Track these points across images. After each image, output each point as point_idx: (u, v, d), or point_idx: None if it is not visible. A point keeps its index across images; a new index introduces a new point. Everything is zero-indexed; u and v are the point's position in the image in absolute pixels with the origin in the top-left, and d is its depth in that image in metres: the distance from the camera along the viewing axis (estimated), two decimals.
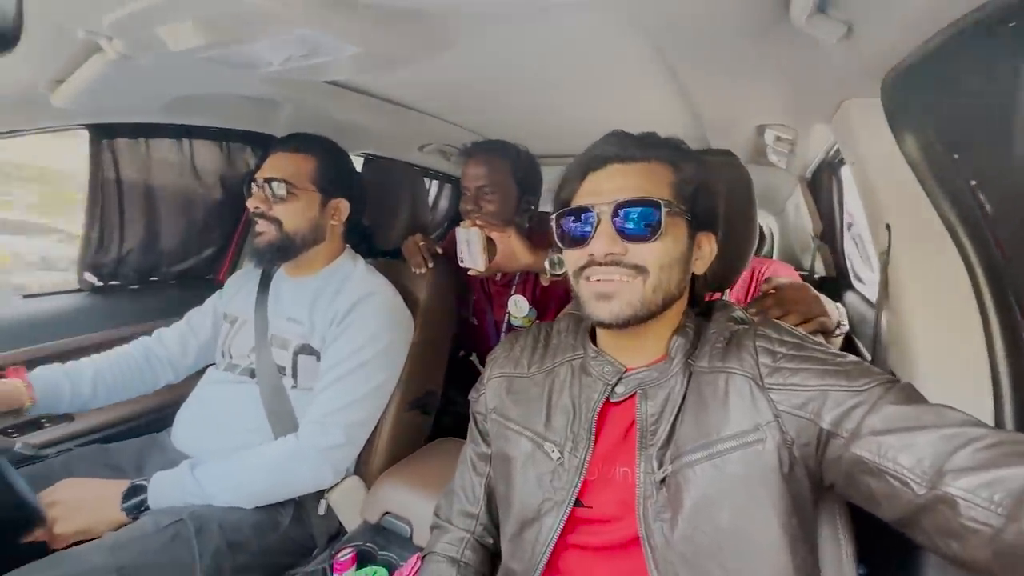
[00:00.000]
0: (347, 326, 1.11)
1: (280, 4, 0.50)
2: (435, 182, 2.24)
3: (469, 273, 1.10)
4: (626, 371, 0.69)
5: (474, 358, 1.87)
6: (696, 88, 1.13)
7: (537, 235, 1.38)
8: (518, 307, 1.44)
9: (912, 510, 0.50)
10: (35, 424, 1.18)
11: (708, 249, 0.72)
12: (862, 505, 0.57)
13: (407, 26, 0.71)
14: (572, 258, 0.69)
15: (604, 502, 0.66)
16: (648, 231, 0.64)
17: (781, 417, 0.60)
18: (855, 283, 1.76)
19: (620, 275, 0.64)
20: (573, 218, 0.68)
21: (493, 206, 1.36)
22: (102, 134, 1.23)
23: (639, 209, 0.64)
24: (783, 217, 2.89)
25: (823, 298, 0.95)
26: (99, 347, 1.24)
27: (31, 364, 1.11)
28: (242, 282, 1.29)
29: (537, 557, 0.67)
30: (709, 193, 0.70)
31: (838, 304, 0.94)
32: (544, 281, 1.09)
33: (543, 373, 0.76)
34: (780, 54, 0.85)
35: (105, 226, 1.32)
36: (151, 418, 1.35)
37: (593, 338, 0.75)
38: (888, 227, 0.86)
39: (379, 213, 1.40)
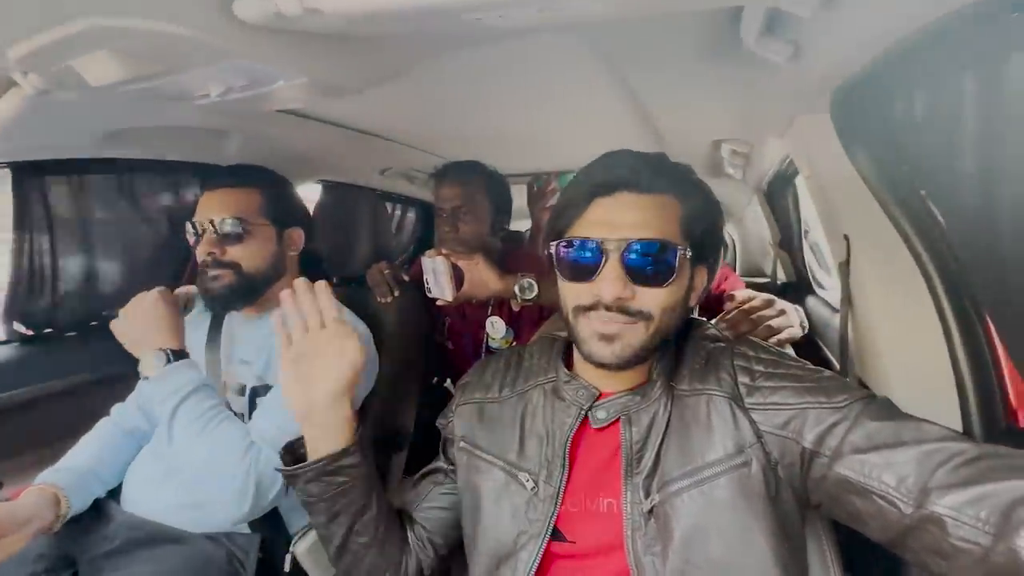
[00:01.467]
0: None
1: (206, 34, 0.46)
2: (399, 206, 2.20)
3: (437, 303, 1.07)
4: (600, 396, 0.67)
5: (448, 384, 1.82)
6: (654, 106, 1.15)
7: (510, 257, 1.37)
8: (495, 328, 1.42)
9: (900, 530, 0.49)
10: None
11: (700, 282, 0.69)
12: (848, 524, 0.56)
13: (357, 53, 0.68)
14: (572, 292, 0.64)
15: (587, 535, 0.63)
16: (660, 277, 0.61)
17: (764, 437, 0.59)
18: (816, 288, 1.81)
19: (625, 320, 0.61)
20: (577, 249, 0.63)
21: (469, 227, 1.36)
22: (28, 173, 1.14)
23: (653, 253, 0.60)
24: (742, 226, 2.98)
25: (785, 304, 0.96)
26: (37, 401, 1.12)
27: None
28: (194, 324, 1.19)
29: None
30: (711, 226, 0.67)
31: (796, 307, 0.95)
32: (515, 307, 1.07)
33: (515, 396, 0.73)
34: (734, 73, 0.87)
35: (35, 270, 1.22)
36: None
37: (567, 361, 0.73)
38: (846, 238, 0.88)
39: (340, 240, 1.35)
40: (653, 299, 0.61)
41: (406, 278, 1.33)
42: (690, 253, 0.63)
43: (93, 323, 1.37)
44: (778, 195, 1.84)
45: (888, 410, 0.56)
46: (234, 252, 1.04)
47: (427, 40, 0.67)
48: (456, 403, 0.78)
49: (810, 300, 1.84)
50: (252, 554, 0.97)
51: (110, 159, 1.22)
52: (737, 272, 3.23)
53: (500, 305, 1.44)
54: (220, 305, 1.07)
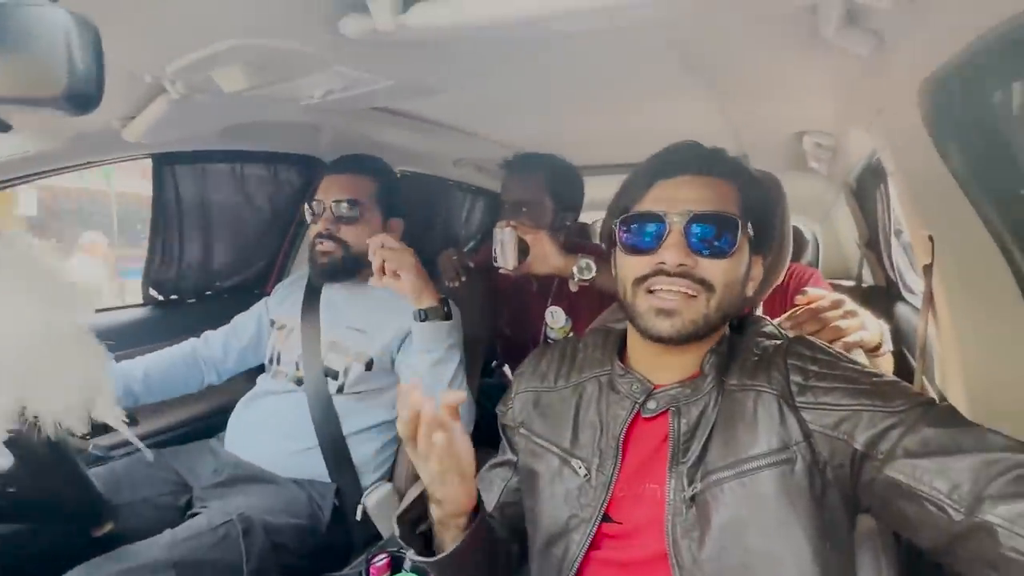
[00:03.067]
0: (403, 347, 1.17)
1: (314, 47, 0.54)
2: (469, 196, 2.29)
3: (500, 271, 1.12)
4: (655, 388, 0.68)
5: (506, 369, 1.89)
6: (731, 97, 1.12)
7: (571, 243, 1.39)
8: (555, 318, 1.44)
9: (949, 538, 0.48)
10: (105, 427, 1.29)
11: (758, 272, 0.70)
12: (898, 530, 0.55)
13: (440, 59, 0.74)
14: (633, 266, 0.65)
15: (633, 517, 0.66)
16: (722, 247, 0.62)
17: (813, 436, 0.58)
18: (905, 294, 1.67)
19: (687, 288, 0.62)
20: (640, 224, 0.65)
21: (528, 220, 1.37)
22: (164, 161, 1.34)
23: (715, 224, 0.62)
24: (829, 223, 2.77)
25: (864, 312, 0.91)
26: None
27: None
28: (289, 290, 1.35)
29: (565, 573, 0.67)
30: (767, 217, 0.68)
31: (882, 322, 0.90)
32: (572, 287, 1.10)
33: (570, 388, 0.76)
34: (814, 66, 0.84)
35: (166, 245, 1.43)
36: (204, 424, 1.44)
37: (620, 354, 0.75)
38: (931, 238, 0.82)
39: (414, 228, 1.44)
40: (718, 270, 0.62)
41: (472, 265, 1.40)
42: (751, 231, 0.64)
43: (208, 292, 1.59)
44: (867, 192, 1.70)
45: (950, 417, 0.53)
46: (346, 231, 1.18)
47: (502, 46, 0.72)
48: (514, 392, 0.82)
49: (899, 306, 1.70)
50: (328, 499, 1.11)
51: (227, 151, 1.40)
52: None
53: (560, 295, 1.47)
54: (327, 276, 1.21)
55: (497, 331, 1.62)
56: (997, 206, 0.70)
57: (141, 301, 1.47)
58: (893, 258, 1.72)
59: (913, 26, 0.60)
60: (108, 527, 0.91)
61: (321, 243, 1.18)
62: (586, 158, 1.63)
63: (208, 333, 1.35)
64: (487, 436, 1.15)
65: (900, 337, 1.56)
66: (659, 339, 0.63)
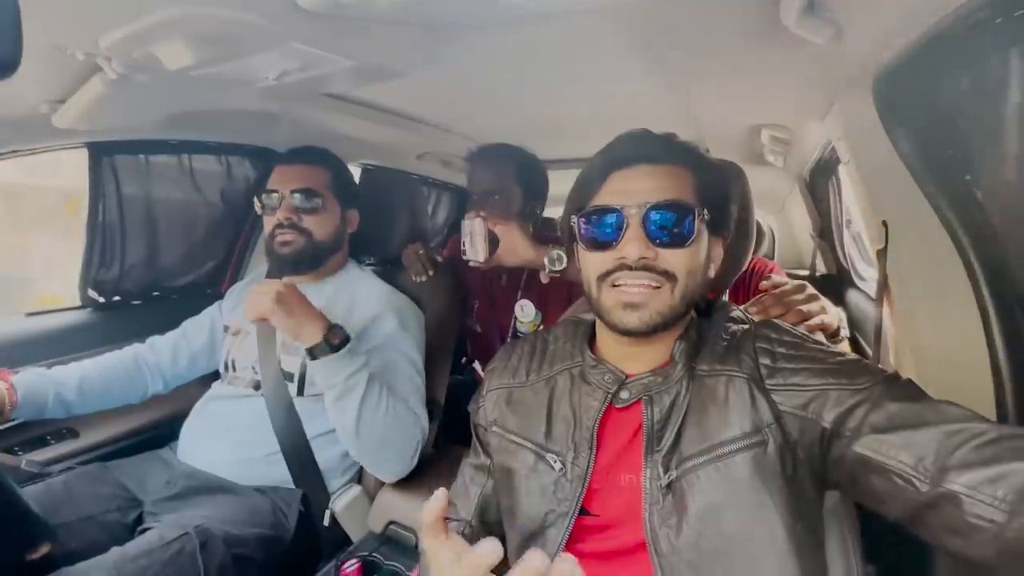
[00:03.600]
0: (369, 335, 1.13)
1: (269, 20, 0.50)
2: (434, 190, 2.25)
3: (470, 264, 1.10)
4: (627, 378, 0.68)
5: (477, 365, 1.87)
6: (692, 89, 1.14)
7: (541, 235, 1.39)
8: (524, 312, 1.44)
9: (916, 508, 0.50)
10: (40, 441, 1.19)
11: (718, 254, 0.71)
12: (867, 504, 0.57)
13: (401, 37, 0.71)
14: (596, 262, 0.66)
15: (610, 508, 0.66)
16: (681, 236, 0.63)
17: (783, 418, 0.60)
18: (857, 281, 1.75)
19: (651, 280, 0.63)
20: (598, 218, 0.65)
21: (497, 210, 1.37)
22: (102, 151, 1.25)
23: (673, 213, 0.62)
24: (784, 215, 2.89)
25: (824, 299, 0.95)
26: None
27: None
28: (243, 293, 1.29)
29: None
30: (723, 198, 0.69)
31: (840, 309, 0.94)
32: (544, 278, 1.09)
33: (542, 382, 0.75)
34: (773, 56, 0.86)
35: (106, 243, 1.33)
36: (152, 435, 1.35)
37: (590, 344, 0.75)
38: (885, 224, 0.86)
39: (378, 222, 1.40)
40: (676, 259, 0.63)
41: (439, 259, 1.37)
42: (708, 217, 0.64)
43: (155, 293, 1.49)
44: (819, 184, 1.78)
45: (910, 391, 0.56)
46: (309, 220, 1.15)
47: (467, 28, 0.70)
48: (485, 389, 0.81)
49: (851, 293, 1.78)
50: (294, 506, 1.06)
51: (174, 141, 1.32)
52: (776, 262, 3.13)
53: (530, 288, 1.46)
54: (288, 267, 1.17)
55: (466, 327, 1.60)
56: (945, 193, 0.74)
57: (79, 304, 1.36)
58: (845, 247, 1.80)
59: (868, 18, 0.62)
60: (45, 549, 0.83)
61: (282, 233, 1.14)
62: (549, 152, 1.63)
63: (155, 338, 1.27)
64: (459, 434, 1.13)
65: (852, 323, 1.65)
66: (627, 332, 0.64)
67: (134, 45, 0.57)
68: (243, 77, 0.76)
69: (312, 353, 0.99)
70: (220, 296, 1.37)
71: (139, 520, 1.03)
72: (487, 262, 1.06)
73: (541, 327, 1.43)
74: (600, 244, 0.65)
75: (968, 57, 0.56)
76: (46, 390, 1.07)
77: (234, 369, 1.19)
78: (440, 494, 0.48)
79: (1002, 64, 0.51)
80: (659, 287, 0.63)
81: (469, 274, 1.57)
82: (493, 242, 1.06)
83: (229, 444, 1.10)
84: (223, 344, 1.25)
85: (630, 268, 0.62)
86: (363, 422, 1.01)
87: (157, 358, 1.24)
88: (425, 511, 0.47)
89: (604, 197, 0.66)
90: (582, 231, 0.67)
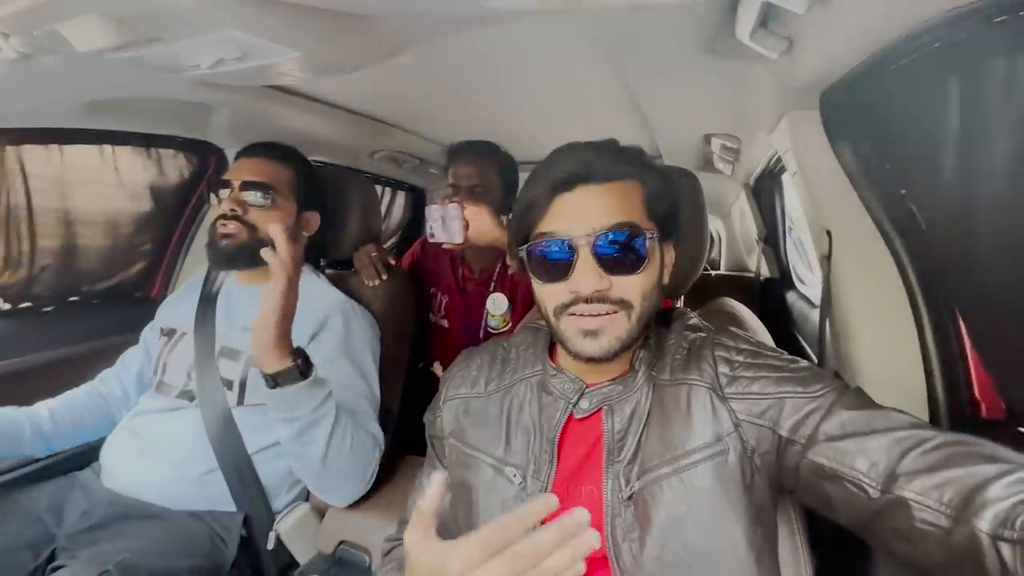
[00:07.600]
0: (318, 344, 1.06)
1: (200, 2, 0.45)
2: (388, 190, 2.18)
3: (444, 247, 1.09)
4: (587, 387, 0.67)
5: (435, 367, 1.82)
6: (646, 98, 1.15)
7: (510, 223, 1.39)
8: (496, 304, 1.43)
9: (868, 514, 0.51)
10: None
11: (670, 258, 0.70)
12: (820, 511, 0.58)
13: (352, 29, 0.67)
14: (550, 294, 0.63)
15: None
16: (633, 264, 0.61)
17: (741, 426, 0.60)
18: (797, 284, 1.85)
19: (607, 309, 0.61)
20: (547, 249, 0.62)
21: (484, 203, 1.36)
22: (6, 140, 1.10)
23: (623, 239, 0.60)
24: (729, 221, 3.02)
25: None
26: (17, 376, 1.10)
27: None
28: (182, 295, 1.21)
29: None
30: (673, 205, 0.68)
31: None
32: (511, 263, 1.09)
33: (501, 392, 0.73)
34: (726, 67, 0.88)
35: (10, 243, 1.18)
36: (71, 454, 1.22)
37: (551, 352, 0.74)
38: (829, 233, 0.90)
39: (329, 223, 1.33)
40: (631, 286, 0.62)
41: (393, 262, 1.32)
42: (658, 234, 0.64)
43: (74, 298, 1.34)
44: (765, 191, 1.87)
45: (861, 400, 0.57)
46: (255, 215, 1.08)
47: (423, 21, 0.66)
48: (442, 399, 0.78)
49: (791, 295, 1.88)
50: (235, 531, 0.97)
51: (94, 131, 1.19)
52: (723, 267, 3.28)
53: (502, 281, 1.46)
54: (225, 261, 1.09)
55: (431, 324, 1.57)
56: (883, 205, 0.78)
57: None
58: (788, 252, 1.90)
59: (819, 36, 0.64)
60: None
61: (224, 224, 1.06)
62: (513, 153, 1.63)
63: (104, 372, 1.18)
64: (414, 445, 1.09)
65: (793, 322, 1.74)
66: (590, 359, 0.62)
67: (35, 20, 0.49)
68: (170, 64, 0.68)
69: (274, 380, 0.86)
70: (150, 300, 1.25)
71: (52, 557, 0.91)
72: (462, 244, 1.07)
73: (510, 322, 1.42)
74: (553, 276, 0.63)
75: (909, 80, 0.59)
76: (22, 423, 0.99)
77: (164, 373, 1.09)
78: (437, 477, 0.47)
79: (940, 88, 0.54)
80: (616, 312, 0.62)
81: (439, 270, 1.57)
82: (464, 226, 1.06)
83: (158, 464, 1.00)
84: (154, 348, 1.16)
85: (586, 301, 0.61)
86: (330, 455, 0.93)
87: (109, 389, 1.16)
88: (426, 498, 0.46)
89: (550, 223, 0.63)
90: (533, 265, 0.65)
